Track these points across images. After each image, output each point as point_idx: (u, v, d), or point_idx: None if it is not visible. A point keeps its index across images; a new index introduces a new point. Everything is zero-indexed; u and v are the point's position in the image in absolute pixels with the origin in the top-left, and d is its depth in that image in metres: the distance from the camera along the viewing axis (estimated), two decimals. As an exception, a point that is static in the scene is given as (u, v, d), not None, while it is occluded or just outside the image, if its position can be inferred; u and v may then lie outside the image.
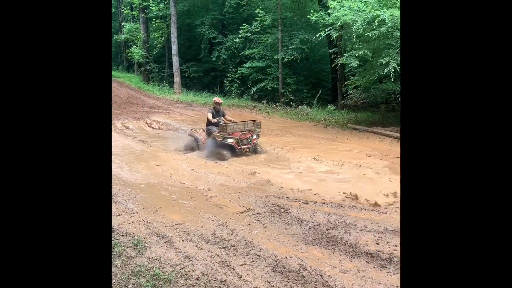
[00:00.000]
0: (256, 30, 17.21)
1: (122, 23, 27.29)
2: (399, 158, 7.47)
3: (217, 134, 7.97)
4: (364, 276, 3.17)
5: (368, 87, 12.00)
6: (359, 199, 5.25)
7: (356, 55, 10.53)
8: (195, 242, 3.83)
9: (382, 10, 9.81)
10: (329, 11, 11.80)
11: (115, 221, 4.32)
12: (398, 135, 10.07)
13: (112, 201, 4.90)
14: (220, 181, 6.25)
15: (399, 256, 3.45)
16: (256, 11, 16.86)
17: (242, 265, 3.35)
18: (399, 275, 3.16)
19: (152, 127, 12.59)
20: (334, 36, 12.01)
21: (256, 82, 17.64)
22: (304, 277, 3.15)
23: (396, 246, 3.68)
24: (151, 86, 21.90)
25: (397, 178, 6.45)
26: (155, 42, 22.53)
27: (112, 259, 3.38)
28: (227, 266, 3.33)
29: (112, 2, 25.41)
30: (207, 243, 3.82)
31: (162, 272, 3.20)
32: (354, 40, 10.80)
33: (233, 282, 3.07)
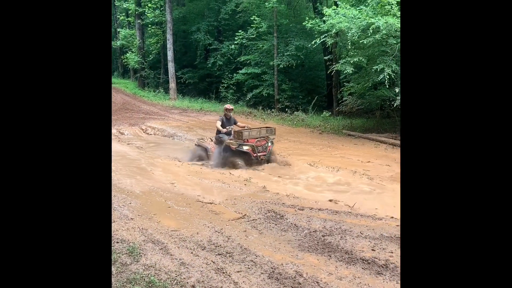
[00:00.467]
0: (252, 36, 17.31)
1: (118, 29, 27.31)
2: (388, 165, 7.49)
3: (231, 141, 7.66)
4: (360, 283, 3.16)
5: (363, 93, 12.09)
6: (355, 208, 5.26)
7: (351, 62, 10.61)
8: (191, 249, 3.81)
9: (377, 18, 9.91)
10: (324, 18, 11.91)
11: (110, 228, 4.28)
12: (393, 141, 10.12)
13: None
14: (216, 187, 6.24)
15: (395, 262, 3.46)
16: (252, 18, 16.96)
17: (238, 272, 3.34)
18: (395, 282, 3.16)
19: (148, 133, 12.56)
20: (329, 43, 12.11)
21: (252, 89, 17.70)
22: (300, 284, 3.14)
23: (392, 252, 3.68)
24: (146, 92, 21.89)
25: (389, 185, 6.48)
26: (151, 48, 22.56)
27: (107, 266, 3.35)
28: (223, 273, 3.31)
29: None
30: (202, 249, 3.80)
31: (158, 279, 3.18)
32: (349, 47, 10.89)
33: (229, 289, 3.05)
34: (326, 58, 14.60)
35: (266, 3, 15.62)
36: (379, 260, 3.53)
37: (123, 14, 26.23)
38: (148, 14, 20.77)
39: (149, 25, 21.85)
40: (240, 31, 17.91)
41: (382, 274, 3.30)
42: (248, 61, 17.84)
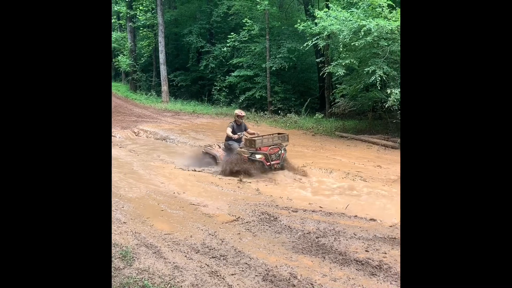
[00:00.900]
0: (244, 39, 17.33)
1: (109, 32, 27.13)
2: (382, 166, 7.51)
3: (243, 150, 7.31)
4: (354, 284, 3.17)
5: (355, 95, 12.15)
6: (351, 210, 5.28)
7: (343, 64, 10.66)
8: (184, 252, 3.79)
9: (368, 20, 9.98)
10: (316, 20, 11.97)
11: (102, 232, 4.25)
12: (385, 142, 10.20)
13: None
14: (210, 190, 6.22)
15: (389, 263, 3.47)
16: (244, 21, 16.98)
17: (232, 274, 3.33)
18: (389, 283, 3.17)
19: (140, 136, 12.49)
20: (321, 45, 12.17)
21: (244, 91, 17.70)
22: (294, 286, 3.14)
23: (385, 253, 3.69)
24: (138, 95, 21.76)
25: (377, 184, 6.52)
26: (143, 51, 22.46)
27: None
28: (217, 276, 3.30)
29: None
30: (196, 253, 3.78)
31: (151, 283, 3.15)
32: (341, 49, 10.96)
33: (223, 292, 3.04)
34: (318, 60, 14.66)
35: (258, 6, 15.65)
36: (372, 261, 3.54)
37: (114, 16, 26.03)
38: (139, 17, 20.68)
39: (141, 28, 21.74)
40: (232, 33, 17.92)
41: (376, 275, 3.31)
42: (241, 64, 17.85)
